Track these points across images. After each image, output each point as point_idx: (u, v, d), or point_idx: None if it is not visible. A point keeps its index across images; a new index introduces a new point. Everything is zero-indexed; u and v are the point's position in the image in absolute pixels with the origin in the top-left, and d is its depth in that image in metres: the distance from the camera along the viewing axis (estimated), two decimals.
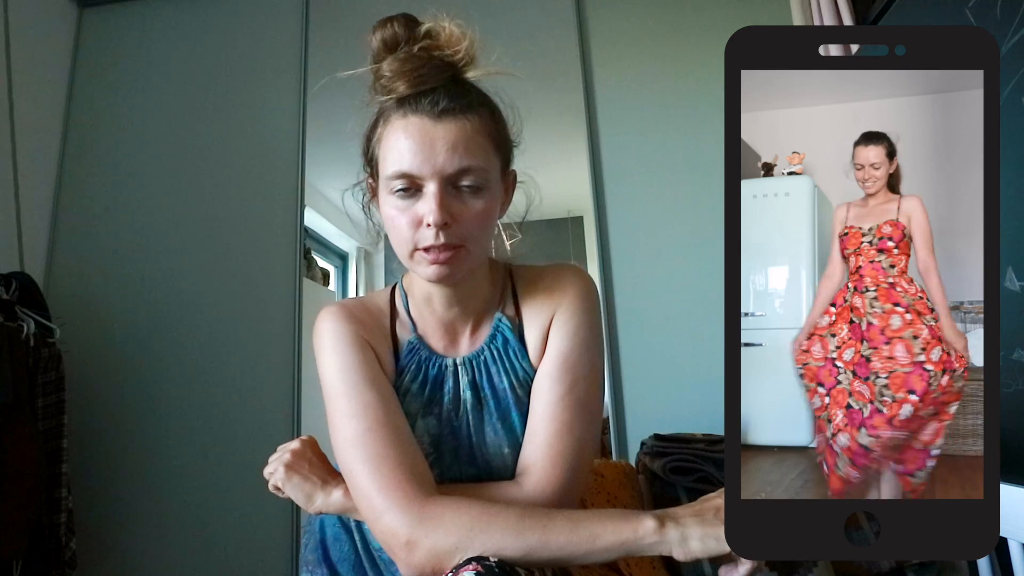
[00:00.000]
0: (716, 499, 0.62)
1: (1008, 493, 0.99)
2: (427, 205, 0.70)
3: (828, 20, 1.56)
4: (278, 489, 0.81)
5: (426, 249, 0.72)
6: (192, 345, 1.85)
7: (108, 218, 1.97)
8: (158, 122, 2.02)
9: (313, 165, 1.96)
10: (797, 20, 1.66)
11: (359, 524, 0.85)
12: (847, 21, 1.53)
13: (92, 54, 2.10)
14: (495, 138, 0.76)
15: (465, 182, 0.72)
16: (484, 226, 0.75)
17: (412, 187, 0.72)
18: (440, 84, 0.73)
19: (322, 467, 0.82)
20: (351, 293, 2.26)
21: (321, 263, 2.16)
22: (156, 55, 2.08)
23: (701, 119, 1.81)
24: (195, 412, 1.81)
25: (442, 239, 0.70)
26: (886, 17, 1.30)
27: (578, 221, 1.93)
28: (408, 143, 0.71)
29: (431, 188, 0.71)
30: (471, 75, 0.77)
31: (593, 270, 1.80)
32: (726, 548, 0.56)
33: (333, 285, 2.23)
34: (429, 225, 0.70)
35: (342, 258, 2.26)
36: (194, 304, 1.88)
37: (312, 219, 2.05)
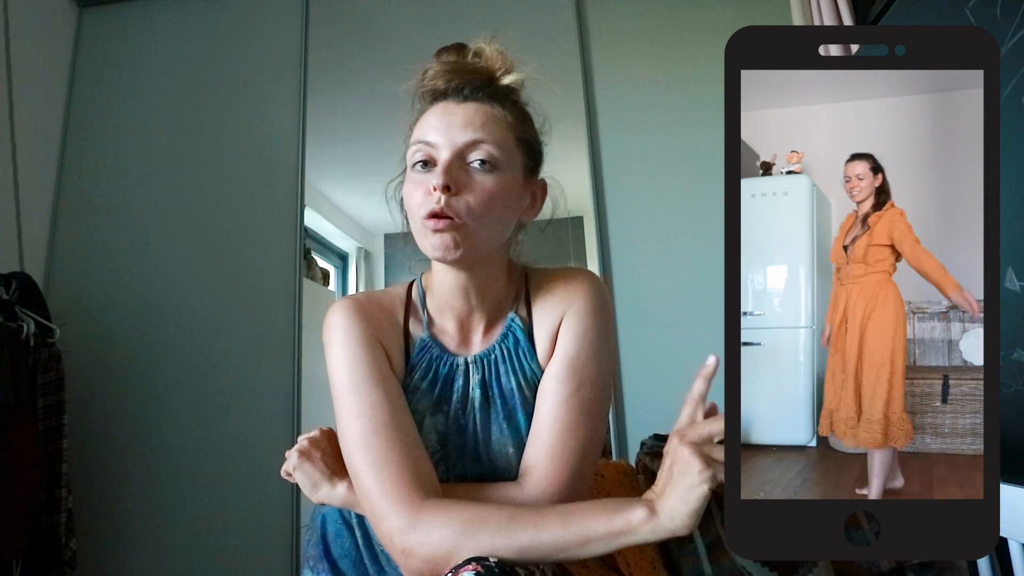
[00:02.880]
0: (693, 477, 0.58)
1: (1008, 493, 0.99)
2: (435, 172, 0.74)
3: (828, 20, 1.56)
4: (289, 475, 0.82)
5: (430, 216, 0.74)
6: (192, 345, 1.85)
7: (108, 218, 1.97)
8: (158, 122, 2.02)
9: (313, 165, 1.96)
10: (797, 20, 1.66)
11: (361, 520, 0.85)
12: (847, 21, 1.52)
13: (92, 54, 2.10)
14: (518, 133, 0.80)
15: (475, 156, 0.75)
16: (490, 206, 0.75)
17: (428, 160, 0.76)
18: (475, 84, 0.80)
19: (334, 459, 0.83)
20: (351, 293, 2.27)
21: (321, 263, 2.16)
22: (156, 55, 2.08)
23: (701, 119, 1.81)
24: (195, 412, 1.81)
25: (443, 202, 0.72)
26: (886, 17, 1.30)
27: (578, 221, 1.93)
28: (431, 119, 0.78)
29: (443, 156, 0.75)
30: (507, 80, 0.83)
31: (593, 270, 1.80)
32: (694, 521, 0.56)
33: (333, 285, 2.23)
34: (435, 188, 0.73)
35: (342, 258, 2.26)
36: (194, 304, 1.88)
37: (312, 219, 2.05)
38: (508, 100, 0.82)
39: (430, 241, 0.74)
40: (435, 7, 2.06)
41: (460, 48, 0.84)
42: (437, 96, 0.80)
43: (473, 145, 0.75)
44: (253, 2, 2.07)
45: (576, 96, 1.87)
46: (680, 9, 1.89)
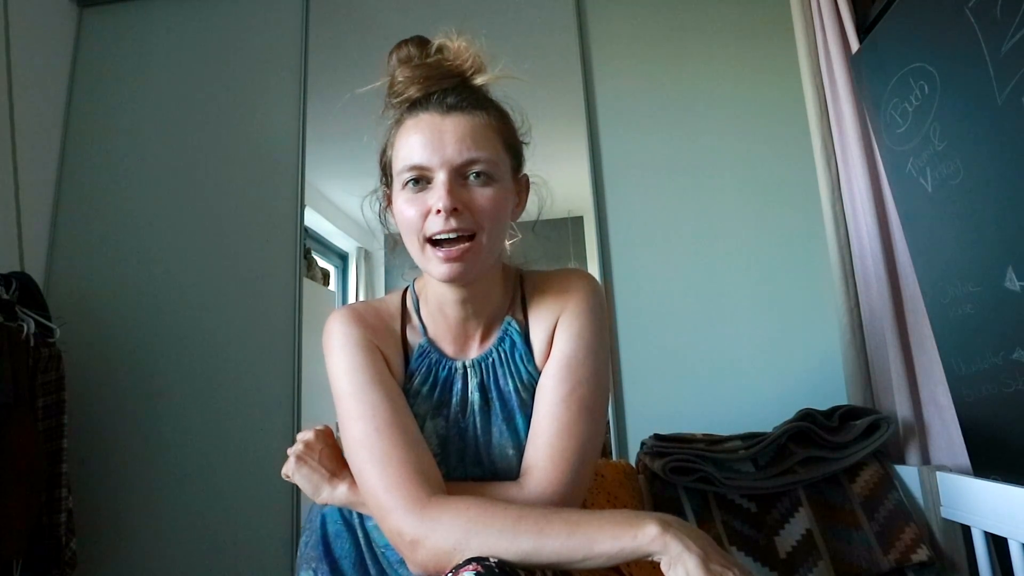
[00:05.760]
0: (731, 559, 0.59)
1: (1009, 493, 0.99)
2: (436, 193, 0.73)
3: (828, 20, 1.55)
4: (288, 476, 0.83)
5: (437, 244, 0.73)
6: (192, 345, 1.85)
7: (108, 218, 1.97)
8: (158, 122, 2.02)
9: (313, 165, 1.95)
10: (797, 20, 1.65)
11: (362, 521, 0.86)
12: (847, 21, 1.52)
13: (92, 54, 2.10)
14: (504, 136, 0.79)
15: (474, 171, 0.74)
16: (495, 216, 0.75)
17: (422, 179, 0.74)
18: (449, 86, 0.77)
19: (332, 459, 0.83)
20: (351, 293, 2.27)
21: (321, 263, 2.16)
22: (156, 55, 2.07)
23: (701, 119, 1.81)
24: (195, 412, 1.80)
25: (452, 224, 0.72)
26: (886, 17, 1.30)
27: (578, 221, 1.93)
28: (418, 137, 0.74)
29: (440, 177, 0.73)
30: (479, 81, 0.81)
31: (593, 270, 1.80)
32: None
33: (333, 285, 2.23)
34: (439, 212, 0.72)
35: (342, 258, 2.27)
36: (194, 304, 1.88)
37: (312, 219, 2.05)
38: (489, 102, 0.80)
39: (438, 268, 0.74)
40: (435, 7, 2.06)
41: (421, 44, 0.81)
42: (415, 105, 0.78)
43: (471, 163, 0.74)
44: (253, 2, 2.07)
45: (576, 96, 1.87)
46: (680, 9, 1.88)
